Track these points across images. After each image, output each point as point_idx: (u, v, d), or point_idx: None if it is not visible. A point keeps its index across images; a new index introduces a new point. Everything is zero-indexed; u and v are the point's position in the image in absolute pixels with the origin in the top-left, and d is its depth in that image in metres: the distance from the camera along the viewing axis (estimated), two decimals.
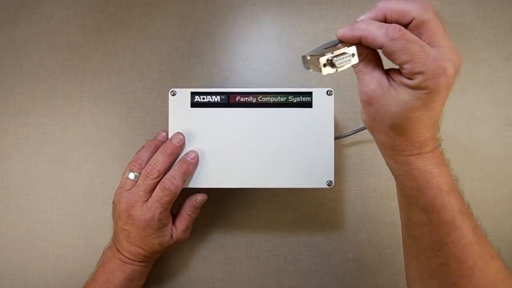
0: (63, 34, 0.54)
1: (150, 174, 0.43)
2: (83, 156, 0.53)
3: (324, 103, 0.45)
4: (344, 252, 0.53)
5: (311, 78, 0.53)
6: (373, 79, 0.32)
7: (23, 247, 0.53)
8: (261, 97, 0.45)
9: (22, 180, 0.53)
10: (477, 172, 0.53)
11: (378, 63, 0.32)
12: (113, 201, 0.46)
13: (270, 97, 0.45)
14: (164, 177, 0.43)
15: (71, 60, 0.54)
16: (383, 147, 0.35)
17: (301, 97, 0.45)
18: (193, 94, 0.45)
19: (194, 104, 0.45)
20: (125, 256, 0.45)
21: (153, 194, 0.43)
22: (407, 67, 0.29)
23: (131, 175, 0.44)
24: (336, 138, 0.45)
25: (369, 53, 0.32)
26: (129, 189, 0.44)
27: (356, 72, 0.33)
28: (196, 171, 0.45)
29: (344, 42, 0.31)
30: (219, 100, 0.45)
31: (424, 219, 0.34)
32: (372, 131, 0.35)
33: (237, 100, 0.45)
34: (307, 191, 0.53)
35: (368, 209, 0.53)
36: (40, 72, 0.54)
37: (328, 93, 0.45)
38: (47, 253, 0.53)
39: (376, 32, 0.29)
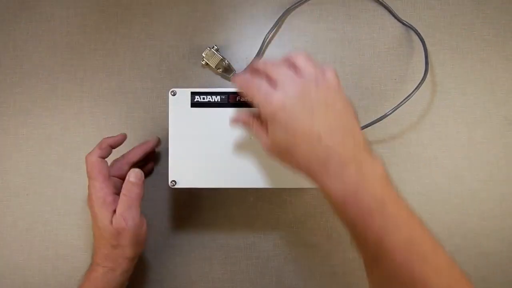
0: (63, 34, 0.54)
1: None
2: (83, 156, 0.53)
3: None
4: (344, 252, 0.53)
5: None
6: (264, 138, 0.38)
7: (23, 247, 0.53)
8: None
9: (22, 180, 0.53)
10: (477, 172, 0.53)
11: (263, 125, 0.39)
12: None
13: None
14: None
15: (71, 60, 0.54)
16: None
17: None
18: (193, 94, 0.45)
19: (194, 104, 0.45)
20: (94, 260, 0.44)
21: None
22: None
23: None
24: None
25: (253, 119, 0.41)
26: None
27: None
28: (196, 171, 0.45)
29: None
30: (219, 100, 0.45)
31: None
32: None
33: (237, 100, 0.45)
34: (307, 191, 0.53)
35: None
36: (40, 72, 0.54)
37: None
38: (47, 253, 0.53)
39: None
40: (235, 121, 0.43)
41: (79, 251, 0.53)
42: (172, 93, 0.45)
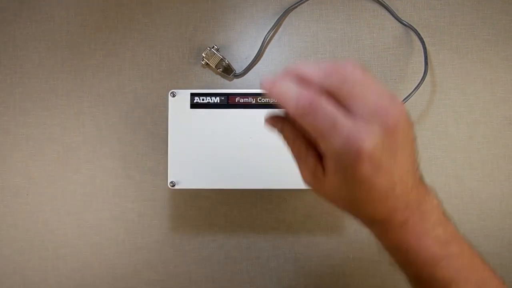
0: (63, 34, 0.54)
1: None
2: (83, 156, 0.53)
3: None
4: (344, 252, 0.53)
5: None
6: (306, 168, 0.29)
7: (23, 247, 0.53)
8: (260, 98, 0.45)
9: (22, 180, 0.53)
10: (477, 172, 0.53)
11: (309, 145, 0.28)
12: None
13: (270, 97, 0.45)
14: None
15: (71, 60, 0.54)
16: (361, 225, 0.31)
17: None
18: (192, 95, 0.45)
19: (194, 105, 0.45)
20: None
21: None
22: (320, 147, 0.25)
23: None
24: None
25: (295, 134, 0.28)
26: None
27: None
28: (197, 172, 0.45)
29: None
30: (218, 101, 0.45)
31: None
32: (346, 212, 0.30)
33: (236, 101, 0.45)
34: (307, 191, 0.53)
35: None
36: (40, 72, 0.54)
37: None
38: (47, 253, 0.53)
39: (289, 98, 0.25)
40: (268, 122, 0.30)
41: (79, 251, 0.53)
42: (171, 95, 0.45)
